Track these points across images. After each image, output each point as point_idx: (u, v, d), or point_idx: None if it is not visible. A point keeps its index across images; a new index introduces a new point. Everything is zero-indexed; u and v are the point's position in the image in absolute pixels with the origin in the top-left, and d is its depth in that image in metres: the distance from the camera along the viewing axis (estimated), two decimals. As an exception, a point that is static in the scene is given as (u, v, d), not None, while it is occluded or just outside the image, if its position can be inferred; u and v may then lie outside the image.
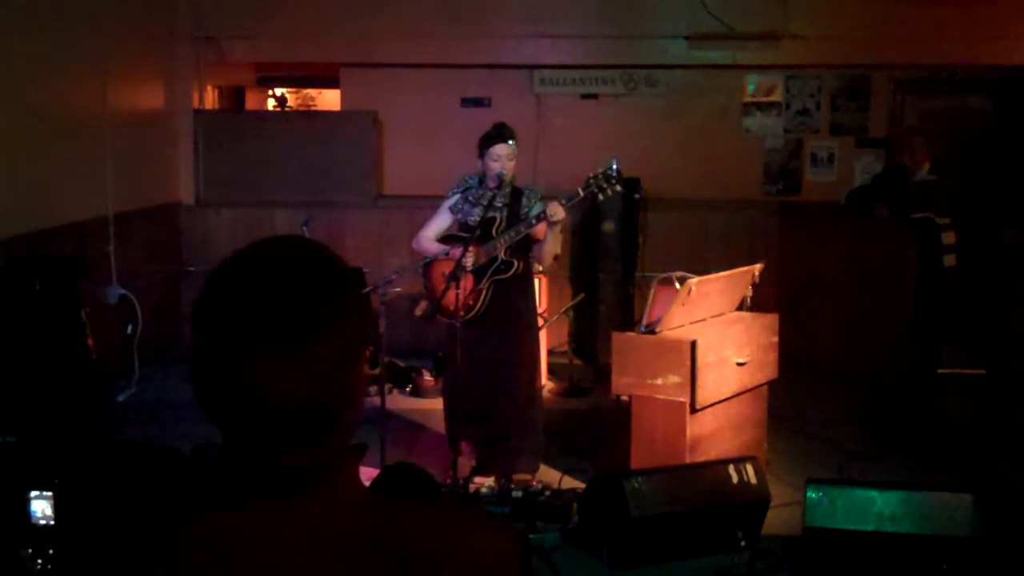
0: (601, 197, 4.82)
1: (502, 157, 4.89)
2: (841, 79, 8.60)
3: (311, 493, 1.08)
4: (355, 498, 1.11)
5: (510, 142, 4.90)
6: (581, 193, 4.73)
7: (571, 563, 4.36)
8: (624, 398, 5.11)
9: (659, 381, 4.77)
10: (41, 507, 3.40)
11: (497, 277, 4.93)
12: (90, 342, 5.82)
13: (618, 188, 4.74)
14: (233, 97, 9.68)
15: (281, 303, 1.08)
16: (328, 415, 1.10)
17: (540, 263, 5.25)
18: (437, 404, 5.67)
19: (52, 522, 3.40)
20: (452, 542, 1.10)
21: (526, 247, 5.02)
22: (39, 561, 3.38)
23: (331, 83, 9.45)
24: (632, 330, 5.21)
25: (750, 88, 8.65)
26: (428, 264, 5.12)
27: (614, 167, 4.67)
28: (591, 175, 4.73)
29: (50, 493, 3.40)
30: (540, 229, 4.87)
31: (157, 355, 7.43)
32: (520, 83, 8.58)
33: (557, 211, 4.69)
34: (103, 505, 3.59)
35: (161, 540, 1.09)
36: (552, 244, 4.90)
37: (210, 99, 8.60)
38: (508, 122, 5.05)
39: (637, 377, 4.85)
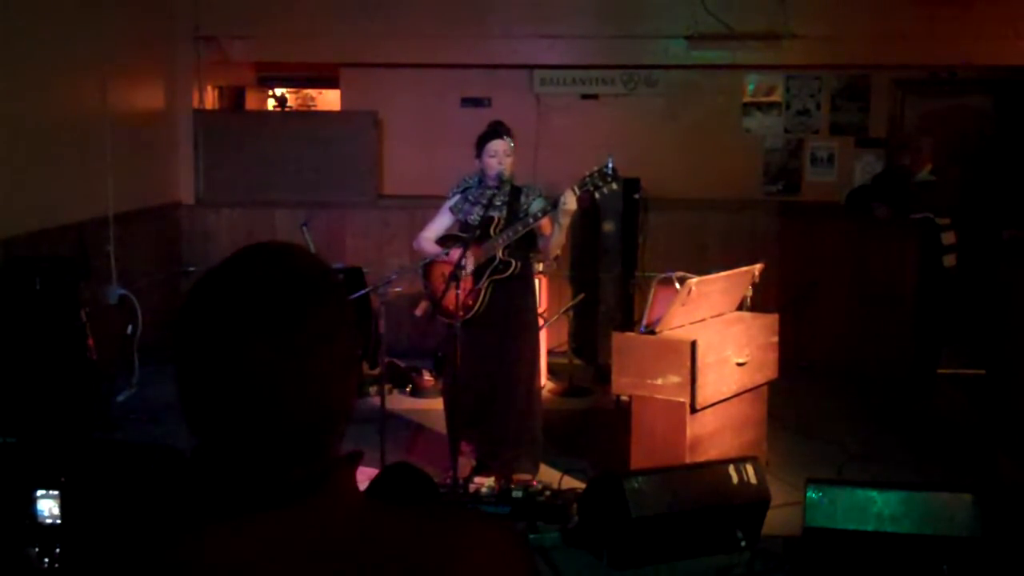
0: (597, 195, 4.82)
1: (499, 153, 4.89)
2: (841, 79, 8.60)
3: (310, 504, 1.07)
4: (355, 507, 1.10)
5: (506, 138, 4.91)
6: (577, 191, 4.72)
7: (571, 563, 4.36)
8: (624, 398, 5.11)
9: (659, 381, 4.77)
10: (47, 506, 3.40)
11: (495, 277, 4.93)
12: (90, 342, 5.82)
13: (614, 186, 4.74)
14: (233, 97, 9.67)
15: (275, 314, 1.06)
16: (324, 426, 1.09)
17: (545, 257, 5.24)
18: (437, 404, 5.67)
19: (58, 521, 3.40)
20: (454, 549, 1.09)
21: (526, 247, 5.02)
22: (45, 560, 3.38)
23: (331, 83, 9.45)
24: (632, 330, 5.21)
25: (750, 88, 8.64)
26: (428, 265, 5.13)
27: (610, 165, 4.67)
28: (587, 173, 4.73)
29: (56, 492, 3.40)
30: (545, 224, 4.86)
31: (157, 355, 7.42)
32: (520, 83, 8.58)
33: (571, 200, 4.68)
34: (109, 504, 3.60)
35: (160, 554, 1.07)
36: (558, 238, 4.89)
37: (210, 99, 8.59)
38: (508, 122, 5.06)
39: (637, 377, 4.85)
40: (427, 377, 7.01)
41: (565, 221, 4.79)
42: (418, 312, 5.07)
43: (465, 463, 5.10)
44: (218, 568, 1.05)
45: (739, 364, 5.00)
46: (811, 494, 4.16)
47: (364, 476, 4.17)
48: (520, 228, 4.84)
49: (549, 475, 5.20)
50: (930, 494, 4.15)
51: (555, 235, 4.86)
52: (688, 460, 4.72)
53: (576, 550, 4.46)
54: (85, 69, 6.70)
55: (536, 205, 4.89)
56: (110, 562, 1.11)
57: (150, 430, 5.96)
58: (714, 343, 4.85)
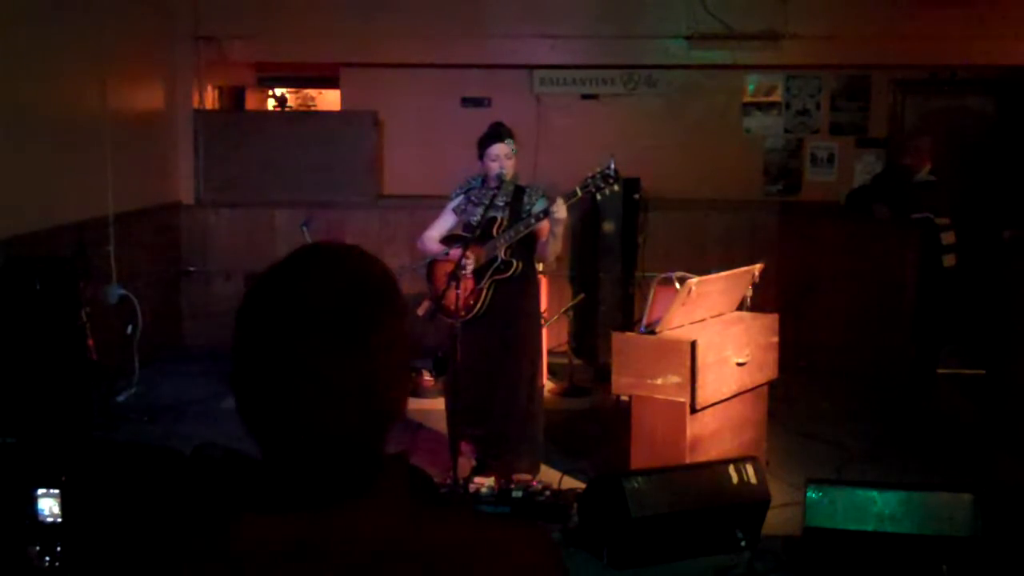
0: (599, 196, 4.82)
1: (500, 156, 4.90)
2: (841, 79, 8.61)
3: (360, 504, 1.08)
4: (402, 508, 1.11)
5: (507, 141, 4.92)
6: (579, 193, 4.73)
7: (571, 563, 4.35)
8: (624, 398, 5.11)
9: (659, 381, 4.77)
10: (48, 505, 3.41)
11: (497, 277, 4.93)
12: (90, 342, 5.82)
13: (615, 187, 4.75)
14: (233, 97, 9.67)
15: (338, 321, 1.07)
16: (377, 428, 1.11)
17: (543, 261, 5.25)
18: (437, 404, 5.68)
19: (59, 520, 3.41)
20: (494, 552, 1.11)
21: (528, 247, 5.03)
22: (47, 558, 3.39)
23: (331, 83, 9.45)
24: (632, 330, 5.21)
25: (750, 88, 8.65)
26: (431, 264, 5.13)
27: (611, 166, 4.68)
28: (589, 174, 4.74)
29: (57, 491, 3.40)
30: (544, 228, 4.87)
31: (157, 355, 7.43)
32: (520, 83, 8.58)
33: (560, 208, 4.69)
34: (109, 503, 3.60)
35: (212, 543, 1.09)
36: (555, 243, 4.90)
37: (210, 99, 8.59)
38: (508, 122, 5.07)
39: (637, 377, 4.85)
40: (427, 377, 7.01)
41: (558, 230, 4.80)
42: (420, 312, 5.07)
43: (465, 463, 5.10)
44: (265, 562, 1.06)
45: (739, 364, 5.00)
46: (811, 494, 4.16)
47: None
48: (522, 228, 4.84)
49: (549, 475, 5.20)
50: (930, 494, 4.15)
51: (550, 242, 4.87)
52: (688, 460, 4.72)
53: (576, 550, 4.46)
54: (85, 69, 6.70)
55: (539, 206, 4.90)
56: (160, 551, 1.12)
57: (150, 430, 5.96)
58: (714, 343, 4.85)
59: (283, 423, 1.07)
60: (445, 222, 5.19)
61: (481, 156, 4.97)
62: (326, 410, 1.06)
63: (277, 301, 1.09)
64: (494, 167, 4.92)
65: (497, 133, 4.94)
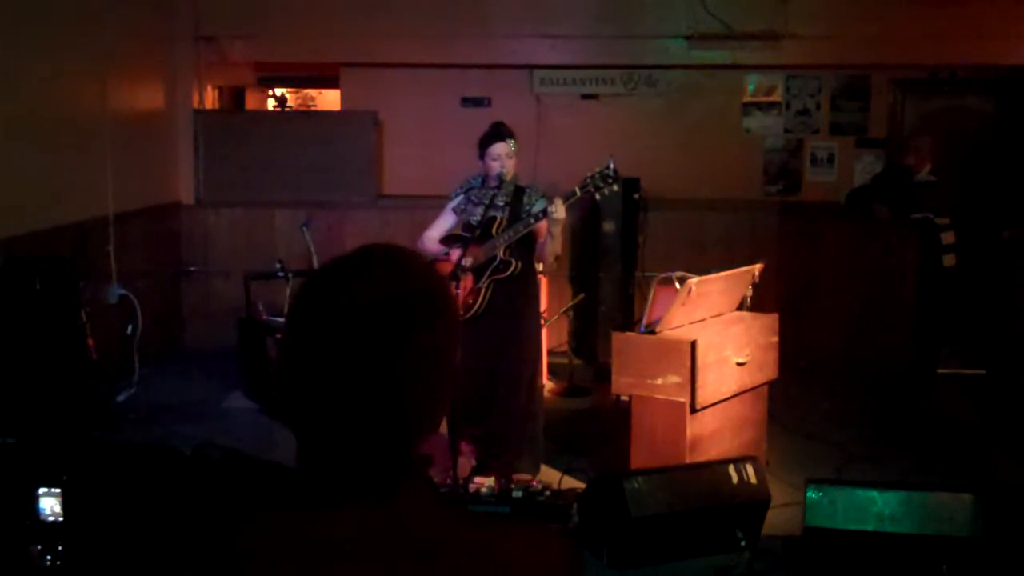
0: (598, 196, 4.82)
1: (501, 156, 4.91)
2: (841, 79, 8.61)
3: (390, 504, 1.09)
4: (429, 509, 1.12)
5: (508, 141, 4.92)
6: (578, 193, 4.73)
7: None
8: (624, 398, 5.11)
9: (659, 381, 4.77)
10: (50, 504, 3.41)
11: (496, 276, 4.93)
12: (90, 342, 5.82)
13: (615, 187, 4.75)
14: (233, 97, 9.67)
15: (390, 325, 1.08)
16: (414, 432, 1.13)
17: (542, 262, 5.26)
18: (437, 404, 5.67)
19: (60, 519, 3.41)
20: (516, 555, 1.12)
21: (527, 247, 5.03)
22: (48, 557, 3.39)
23: (331, 83, 9.45)
24: (632, 330, 5.21)
25: (750, 88, 8.65)
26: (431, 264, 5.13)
27: (611, 166, 4.68)
28: (588, 174, 4.74)
29: (58, 490, 3.41)
30: (542, 228, 4.87)
31: (157, 355, 7.43)
32: (520, 83, 8.58)
33: (559, 208, 4.69)
34: (110, 503, 3.60)
35: (239, 538, 1.10)
36: (553, 243, 4.90)
37: (210, 99, 8.59)
38: (508, 122, 5.07)
39: (637, 377, 4.85)
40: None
41: (556, 230, 4.80)
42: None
43: (465, 463, 5.10)
44: (295, 558, 1.06)
45: (739, 364, 5.00)
46: (811, 494, 4.16)
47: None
48: (521, 228, 4.85)
49: (549, 475, 5.20)
50: (930, 494, 4.15)
51: (548, 244, 4.87)
52: (688, 460, 4.72)
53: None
54: (85, 69, 6.70)
55: (538, 206, 4.90)
56: (186, 547, 1.13)
57: (150, 430, 5.96)
58: (714, 343, 4.85)
59: (320, 419, 1.09)
60: (445, 222, 5.19)
61: (482, 156, 4.97)
62: (363, 410, 1.07)
63: (325, 299, 1.10)
64: (495, 167, 4.92)
65: (498, 133, 4.94)
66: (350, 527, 1.07)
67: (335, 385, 1.07)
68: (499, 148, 4.91)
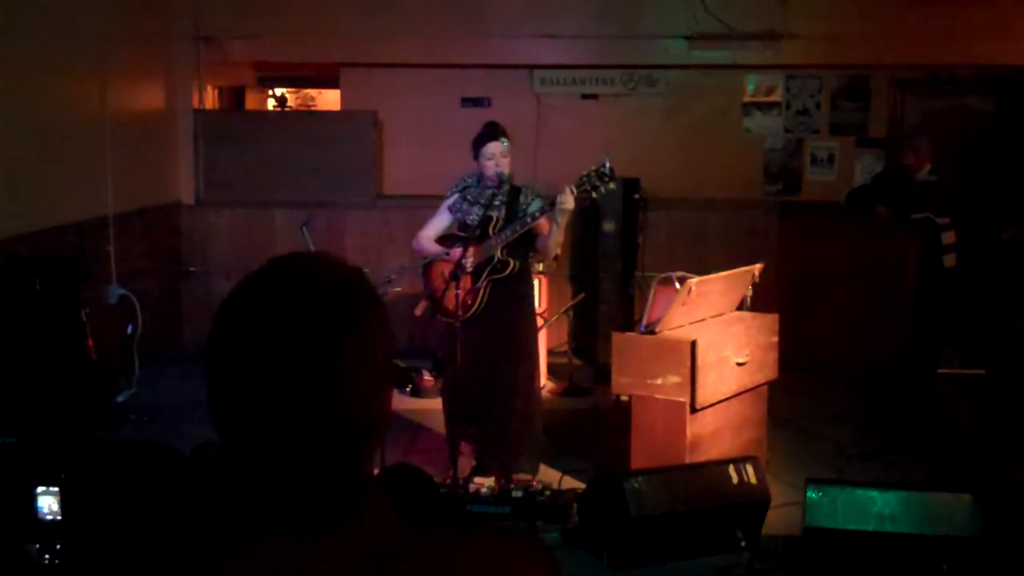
0: (595, 195, 4.82)
1: (495, 155, 4.90)
2: (841, 79, 8.60)
3: (347, 526, 1.05)
4: (391, 528, 1.09)
5: (502, 140, 4.92)
6: (575, 191, 4.72)
7: (571, 563, 4.35)
8: (624, 398, 5.11)
9: (659, 381, 4.77)
10: (48, 503, 3.41)
11: (494, 276, 4.93)
12: (90, 342, 5.83)
13: (612, 185, 4.74)
14: (233, 97, 9.68)
15: (312, 331, 1.03)
16: (360, 441, 1.08)
17: (544, 257, 5.24)
18: (437, 404, 5.67)
19: (59, 518, 3.41)
20: (490, 571, 1.09)
21: (525, 246, 5.02)
22: (46, 556, 3.39)
23: (331, 83, 9.45)
24: (632, 330, 5.21)
25: (750, 88, 8.64)
26: (427, 264, 5.13)
27: (607, 164, 4.67)
28: (584, 173, 4.73)
29: (56, 489, 3.41)
30: (544, 223, 4.87)
31: (157, 355, 7.43)
32: (520, 83, 8.58)
33: (568, 199, 4.67)
34: (108, 502, 3.60)
35: (197, 572, 1.05)
36: (556, 237, 4.89)
37: (210, 99, 8.59)
38: (508, 122, 5.07)
39: (637, 377, 4.85)
40: (427, 377, 7.01)
41: (563, 220, 4.79)
42: (417, 312, 5.07)
43: (465, 463, 5.10)
44: None
45: (739, 364, 5.00)
46: (811, 494, 4.16)
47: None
48: (518, 228, 4.84)
49: (549, 475, 5.20)
50: (930, 494, 4.15)
51: (553, 234, 4.86)
52: (688, 460, 4.72)
53: (576, 550, 4.46)
54: (85, 69, 6.70)
55: (534, 205, 4.90)
56: (155, 554, 1.09)
57: (150, 430, 5.96)
58: (714, 343, 4.85)
59: (262, 440, 1.03)
60: (441, 221, 5.18)
61: (476, 155, 4.96)
62: (306, 422, 1.02)
63: (245, 316, 1.05)
64: (490, 166, 4.91)
65: (492, 132, 4.94)
66: (306, 555, 1.03)
67: (269, 403, 1.02)
68: (493, 147, 4.91)
